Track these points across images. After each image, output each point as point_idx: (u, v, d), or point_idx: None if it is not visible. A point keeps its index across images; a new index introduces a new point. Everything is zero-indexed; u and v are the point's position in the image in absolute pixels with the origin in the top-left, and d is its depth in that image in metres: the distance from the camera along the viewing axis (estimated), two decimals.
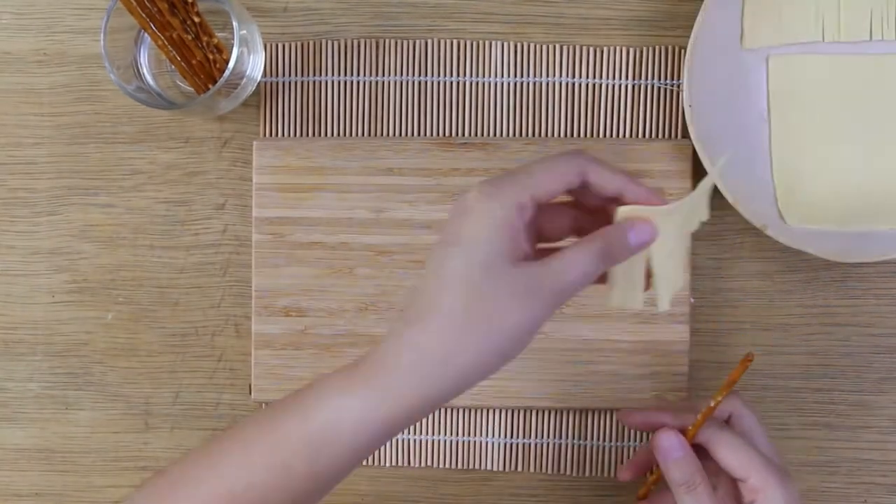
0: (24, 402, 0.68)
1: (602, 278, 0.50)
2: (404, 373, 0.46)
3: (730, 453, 0.54)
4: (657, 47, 0.66)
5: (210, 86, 0.63)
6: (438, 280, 0.47)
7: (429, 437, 0.67)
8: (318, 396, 0.48)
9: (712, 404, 0.55)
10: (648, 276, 0.50)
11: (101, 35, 0.60)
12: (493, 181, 0.48)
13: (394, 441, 0.67)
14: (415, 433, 0.66)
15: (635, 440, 0.66)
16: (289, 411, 0.49)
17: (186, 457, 0.49)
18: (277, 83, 0.67)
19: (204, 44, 0.62)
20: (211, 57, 0.62)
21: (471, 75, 0.66)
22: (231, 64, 0.59)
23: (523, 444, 0.66)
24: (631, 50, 0.66)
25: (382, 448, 0.67)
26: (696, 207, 0.50)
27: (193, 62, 0.62)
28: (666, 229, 0.49)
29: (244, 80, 0.64)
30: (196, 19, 0.61)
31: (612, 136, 0.66)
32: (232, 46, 0.59)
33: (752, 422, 0.57)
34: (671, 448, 0.55)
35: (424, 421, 0.66)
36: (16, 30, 0.67)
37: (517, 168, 0.48)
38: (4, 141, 0.67)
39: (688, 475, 0.54)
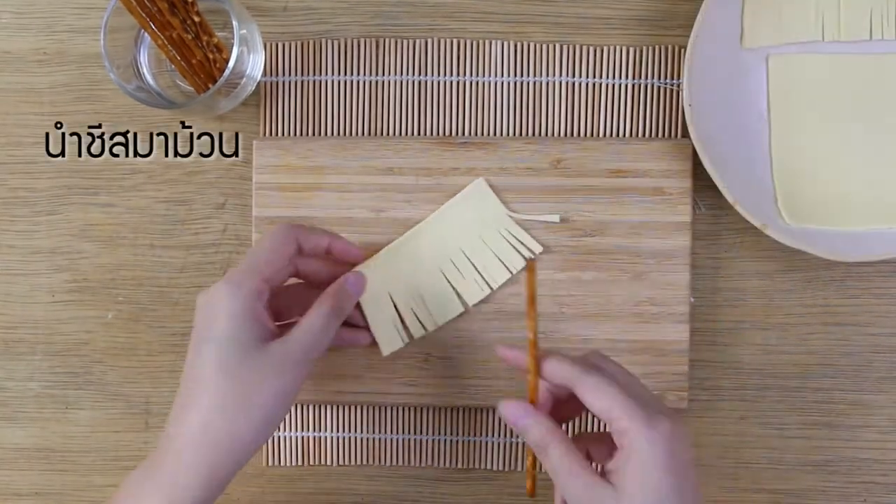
0: (24, 402, 0.68)
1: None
2: (188, 467, 0.53)
3: (592, 395, 0.51)
4: (657, 47, 0.66)
5: (210, 85, 0.63)
6: (198, 377, 0.53)
7: (429, 437, 0.67)
8: None
9: (531, 336, 0.53)
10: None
11: (101, 34, 0.60)
12: (233, 274, 0.55)
13: (393, 441, 0.67)
14: (414, 433, 0.66)
15: None
16: None
17: None
18: (277, 83, 0.67)
19: (204, 43, 0.62)
20: (211, 56, 0.62)
21: (471, 75, 0.66)
22: (231, 63, 0.59)
23: (523, 444, 0.66)
24: (631, 49, 0.66)
25: (382, 448, 0.67)
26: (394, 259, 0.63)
27: (193, 62, 0.62)
28: (373, 276, 0.62)
29: (244, 79, 0.64)
30: (196, 19, 0.61)
31: (611, 135, 0.66)
32: (232, 46, 0.59)
33: (616, 368, 0.54)
34: (516, 416, 0.53)
35: (425, 421, 0.66)
36: (16, 29, 0.67)
37: (245, 258, 0.56)
38: (4, 140, 0.67)
39: (538, 438, 0.52)
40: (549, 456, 0.52)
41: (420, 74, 0.66)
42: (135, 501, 0.53)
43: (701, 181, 0.64)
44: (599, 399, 0.51)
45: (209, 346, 0.53)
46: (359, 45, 0.66)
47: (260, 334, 0.54)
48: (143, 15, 0.61)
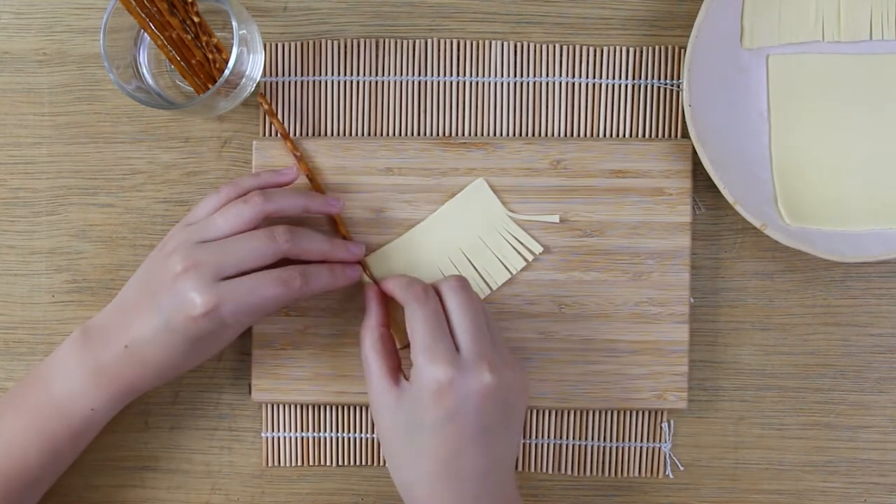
0: None
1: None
2: (145, 383, 0.59)
3: (407, 323, 0.57)
4: (657, 47, 0.66)
5: (210, 85, 0.63)
6: (171, 344, 0.58)
7: None
8: (70, 401, 0.59)
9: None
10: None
11: (101, 35, 0.60)
12: (228, 292, 0.57)
13: None
14: None
15: (635, 440, 0.66)
16: (49, 412, 0.59)
17: None
18: (277, 83, 0.67)
19: (203, 44, 0.62)
20: (210, 57, 0.62)
21: (471, 75, 0.66)
22: (231, 64, 0.59)
23: (524, 444, 0.66)
24: (631, 50, 0.66)
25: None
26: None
27: (193, 62, 0.62)
28: (373, 276, 0.64)
29: (244, 79, 0.64)
30: (196, 19, 0.61)
31: (611, 135, 0.66)
32: (231, 46, 0.59)
33: (454, 303, 0.58)
34: (370, 295, 0.62)
35: None
36: (16, 29, 0.67)
37: (229, 254, 0.57)
38: (4, 141, 0.67)
39: (365, 324, 0.61)
40: (363, 343, 0.59)
41: (420, 75, 0.66)
42: (72, 394, 0.58)
43: (701, 181, 0.64)
44: (409, 329, 0.57)
45: (175, 338, 0.57)
46: (359, 46, 0.66)
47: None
48: (143, 15, 0.61)
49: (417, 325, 0.57)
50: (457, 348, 0.56)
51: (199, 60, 0.62)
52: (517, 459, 0.67)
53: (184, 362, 0.59)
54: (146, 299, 0.58)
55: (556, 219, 0.64)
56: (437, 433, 0.55)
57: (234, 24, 0.59)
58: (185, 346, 0.57)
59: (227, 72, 0.59)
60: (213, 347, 0.60)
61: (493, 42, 0.66)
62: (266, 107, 0.64)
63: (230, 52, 0.59)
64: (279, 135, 0.66)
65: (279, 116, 0.67)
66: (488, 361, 0.56)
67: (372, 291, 0.62)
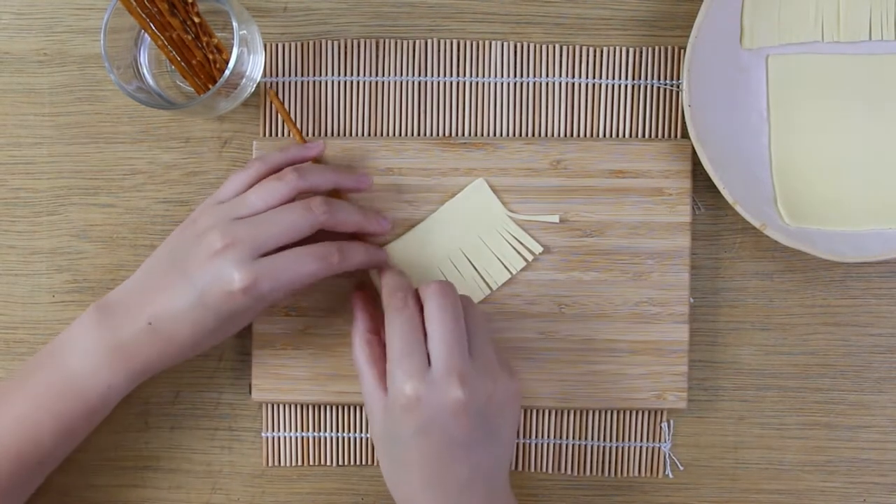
0: None
1: None
2: (166, 361, 0.59)
3: (385, 329, 0.58)
4: (657, 47, 0.66)
5: (210, 86, 0.63)
6: (199, 325, 0.58)
7: None
8: (89, 378, 0.59)
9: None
10: None
11: (101, 35, 0.60)
12: (261, 270, 0.57)
13: None
14: None
15: (635, 440, 0.66)
16: (65, 391, 0.59)
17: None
18: (277, 83, 0.67)
19: (204, 44, 0.62)
20: (211, 57, 0.62)
21: (471, 75, 0.66)
22: (231, 64, 0.59)
23: (524, 444, 0.66)
24: (630, 50, 0.66)
25: None
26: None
27: (193, 62, 0.62)
28: (373, 277, 0.63)
29: (244, 80, 0.64)
30: (196, 19, 0.61)
31: (611, 135, 0.66)
32: (232, 46, 0.59)
33: (430, 310, 0.57)
34: (356, 300, 0.62)
35: None
36: (16, 30, 0.67)
37: (264, 228, 0.57)
38: (5, 141, 0.68)
39: (354, 327, 0.61)
40: (353, 348, 0.60)
41: (420, 75, 0.66)
42: (91, 370, 0.57)
43: (701, 181, 0.64)
44: (386, 337, 0.57)
45: (207, 314, 0.57)
46: (359, 46, 0.66)
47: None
48: (143, 16, 0.61)
49: (393, 334, 0.56)
50: (430, 361, 0.56)
51: (200, 61, 0.62)
52: (513, 461, 0.67)
53: (208, 339, 0.58)
54: (175, 276, 0.57)
55: (555, 219, 0.64)
56: (411, 446, 0.56)
57: (235, 24, 0.59)
58: (215, 322, 0.57)
59: (227, 72, 0.59)
60: (240, 324, 0.59)
61: (493, 42, 0.66)
62: (278, 104, 0.64)
63: (230, 53, 0.60)
64: (290, 133, 0.66)
65: (279, 116, 0.67)
66: (459, 375, 0.55)
67: (358, 297, 0.62)
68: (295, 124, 0.64)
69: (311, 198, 0.59)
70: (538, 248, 0.64)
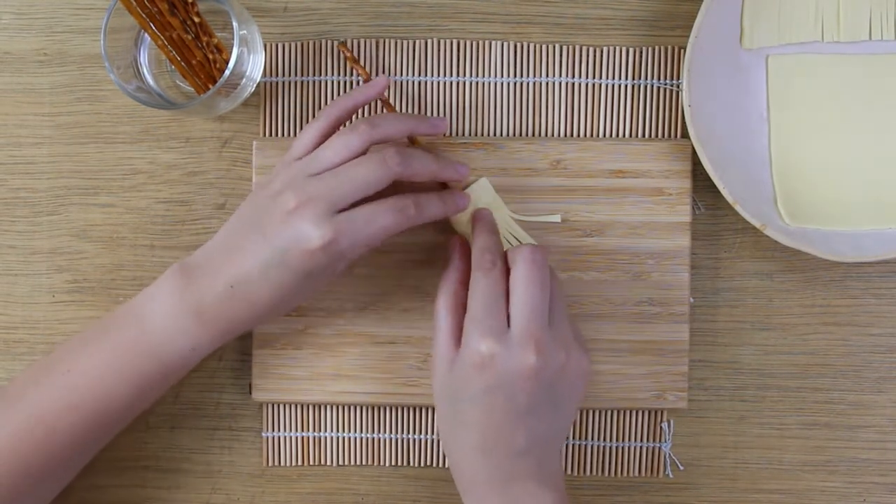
0: None
1: None
2: (248, 324, 0.59)
3: (469, 289, 0.57)
4: (657, 47, 0.66)
5: (210, 86, 0.63)
6: (281, 288, 0.57)
7: (429, 436, 0.67)
8: (169, 341, 0.58)
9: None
10: None
11: (102, 35, 0.60)
12: (338, 226, 0.56)
13: (393, 441, 0.67)
14: (415, 433, 0.67)
15: (635, 440, 0.66)
16: (147, 352, 0.59)
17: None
18: (277, 83, 0.67)
19: (204, 44, 0.62)
20: (211, 57, 0.62)
21: (471, 75, 0.66)
22: (231, 64, 0.59)
23: None
24: (630, 50, 0.66)
25: (382, 448, 0.67)
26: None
27: (193, 62, 0.62)
28: None
29: (244, 80, 0.64)
30: (196, 19, 0.61)
31: (611, 135, 0.66)
32: (232, 46, 0.59)
33: (517, 275, 0.56)
34: (453, 247, 0.61)
35: (424, 421, 0.66)
36: (16, 30, 0.67)
37: (342, 182, 0.56)
38: (5, 141, 0.67)
39: (443, 280, 0.60)
40: (437, 296, 0.59)
41: (420, 75, 0.66)
42: (172, 335, 0.57)
43: (700, 181, 0.64)
44: (469, 295, 0.57)
45: (287, 274, 0.56)
46: (359, 46, 0.66)
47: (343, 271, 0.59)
48: (143, 16, 0.61)
49: (476, 293, 0.56)
50: (510, 323, 0.56)
51: (200, 61, 0.62)
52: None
53: (289, 300, 0.58)
54: (254, 238, 0.56)
55: (556, 219, 0.64)
56: (475, 405, 0.55)
57: (235, 24, 0.59)
58: (296, 282, 0.56)
59: (227, 72, 0.59)
60: (319, 285, 0.58)
61: (493, 42, 0.66)
62: (348, 54, 0.63)
63: (230, 53, 0.60)
64: (290, 133, 0.66)
65: (279, 116, 0.67)
66: (536, 342, 0.55)
67: (456, 246, 0.61)
68: (359, 63, 0.63)
69: (385, 149, 0.57)
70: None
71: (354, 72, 0.66)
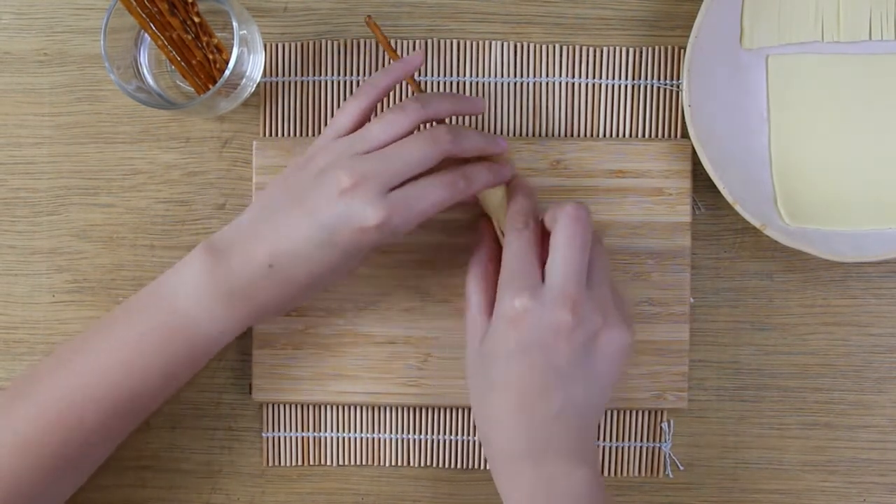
0: None
1: None
2: (281, 306, 0.58)
3: (503, 250, 0.58)
4: (657, 47, 0.66)
5: (210, 86, 0.63)
6: (322, 266, 0.56)
7: (429, 436, 0.67)
8: (197, 323, 0.57)
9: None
10: None
11: (102, 35, 0.60)
12: (392, 204, 0.55)
13: (393, 441, 0.67)
14: (414, 433, 0.67)
15: (635, 440, 0.66)
16: (174, 334, 0.57)
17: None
18: (277, 83, 0.67)
19: (204, 44, 0.62)
20: (211, 57, 0.62)
21: (471, 75, 0.66)
22: (231, 64, 0.59)
23: None
24: (630, 50, 0.66)
25: (382, 448, 0.67)
26: None
27: (193, 62, 0.62)
28: None
29: (244, 80, 0.64)
30: (196, 19, 0.61)
31: (611, 135, 0.66)
32: (232, 46, 0.59)
33: (558, 235, 0.55)
34: (485, 229, 0.61)
35: (424, 421, 0.66)
36: (16, 30, 0.67)
37: (392, 159, 0.56)
38: (5, 141, 0.67)
39: (478, 246, 0.61)
40: (468, 272, 0.59)
41: (420, 75, 0.66)
42: (200, 317, 0.56)
43: (701, 181, 0.64)
44: (502, 258, 0.57)
45: (334, 253, 0.55)
46: (359, 46, 0.66)
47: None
48: (143, 16, 0.61)
49: (508, 254, 0.56)
50: (545, 281, 0.55)
51: (200, 61, 0.62)
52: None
53: (325, 280, 0.57)
54: (298, 215, 0.55)
55: None
56: (510, 364, 0.54)
57: (235, 24, 0.59)
58: (340, 260, 0.56)
59: (227, 72, 0.59)
60: (357, 264, 0.59)
61: (493, 42, 0.66)
62: (376, 31, 0.61)
63: (230, 53, 0.60)
64: (290, 133, 0.66)
65: (279, 116, 0.67)
66: (573, 301, 0.54)
67: (486, 226, 0.61)
68: (391, 45, 0.62)
69: (436, 127, 0.57)
70: None
71: (355, 71, 0.66)
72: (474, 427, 0.66)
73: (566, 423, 0.54)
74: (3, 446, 0.56)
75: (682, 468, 0.66)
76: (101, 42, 0.60)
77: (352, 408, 0.67)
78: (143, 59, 0.65)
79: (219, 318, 0.56)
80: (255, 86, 0.66)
